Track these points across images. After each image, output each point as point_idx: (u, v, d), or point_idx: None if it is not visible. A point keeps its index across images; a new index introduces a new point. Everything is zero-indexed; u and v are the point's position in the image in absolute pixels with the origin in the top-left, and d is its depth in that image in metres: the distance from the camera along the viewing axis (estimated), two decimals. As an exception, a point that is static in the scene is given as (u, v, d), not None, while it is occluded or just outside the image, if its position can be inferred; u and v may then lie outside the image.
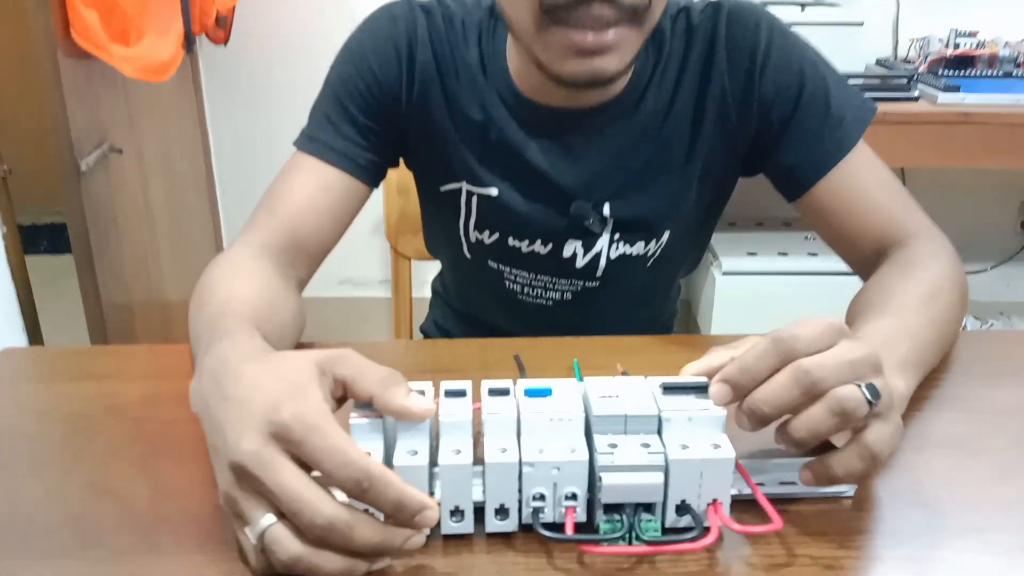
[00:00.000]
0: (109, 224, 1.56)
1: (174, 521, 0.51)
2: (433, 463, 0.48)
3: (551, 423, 0.48)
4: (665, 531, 0.48)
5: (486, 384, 0.51)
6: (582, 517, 0.48)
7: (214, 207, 2.23)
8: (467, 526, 0.48)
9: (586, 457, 0.47)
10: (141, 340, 1.69)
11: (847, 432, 0.48)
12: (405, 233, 1.27)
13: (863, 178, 0.77)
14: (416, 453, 0.47)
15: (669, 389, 0.50)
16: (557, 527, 0.48)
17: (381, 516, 0.44)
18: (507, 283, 0.88)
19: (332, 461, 0.42)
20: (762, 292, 1.85)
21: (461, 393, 0.50)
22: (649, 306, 0.96)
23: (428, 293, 1.08)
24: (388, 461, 0.47)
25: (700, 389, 0.50)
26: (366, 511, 0.43)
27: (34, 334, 1.40)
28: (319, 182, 0.77)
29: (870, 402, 0.46)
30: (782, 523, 0.47)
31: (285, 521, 0.43)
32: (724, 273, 1.86)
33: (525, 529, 0.49)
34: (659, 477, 0.47)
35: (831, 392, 0.46)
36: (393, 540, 0.43)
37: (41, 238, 2.87)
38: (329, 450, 0.42)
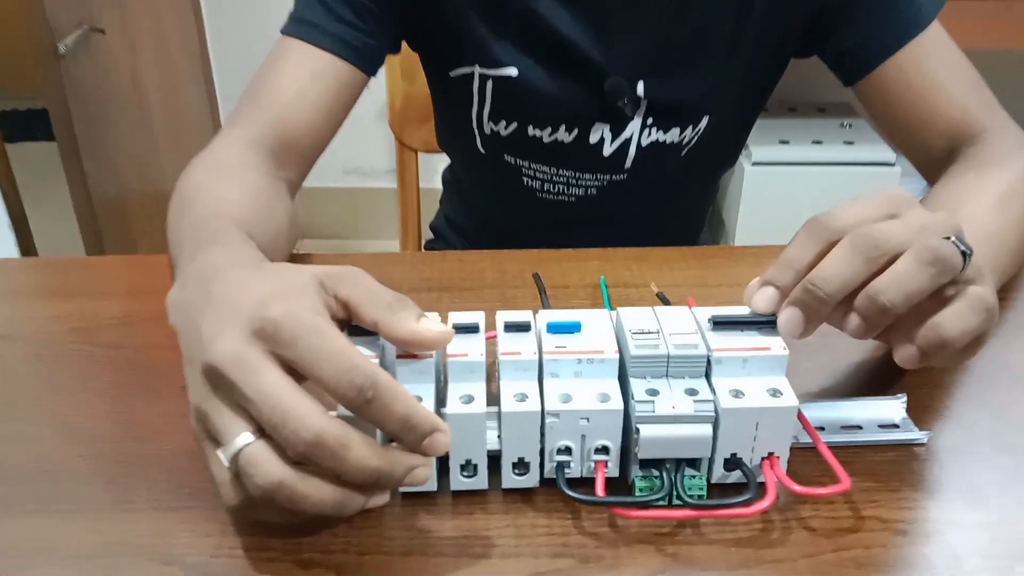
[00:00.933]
0: (96, 111, 1.46)
1: (146, 468, 0.45)
2: (440, 406, 0.41)
3: (579, 365, 0.41)
4: (711, 488, 0.41)
5: (502, 317, 0.43)
6: (614, 472, 0.41)
7: (211, 90, 2.11)
8: (480, 481, 0.42)
9: (620, 406, 0.40)
10: (138, 236, 1.62)
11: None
12: (411, 122, 1.17)
13: (936, 62, 0.69)
14: (420, 400, 0.40)
15: (720, 323, 0.42)
16: (586, 482, 0.41)
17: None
18: (525, 180, 0.80)
19: (331, 364, 0.34)
20: (794, 184, 1.73)
21: (473, 328, 0.42)
22: (681, 205, 0.88)
23: (438, 184, 1.00)
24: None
25: (758, 324, 0.42)
26: None
27: (20, 225, 1.33)
28: (310, 69, 0.68)
29: (964, 253, 0.40)
30: (850, 482, 0.40)
31: (266, 439, 0.35)
32: (754, 164, 1.74)
33: (547, 484, 0.42)
34: (707, 430, 0.40)
35: (918, 241, 0.39)
36: (395, 466, 0.36)
37: (39, 123, 2.76)
38: (327, 351, 0.34)
